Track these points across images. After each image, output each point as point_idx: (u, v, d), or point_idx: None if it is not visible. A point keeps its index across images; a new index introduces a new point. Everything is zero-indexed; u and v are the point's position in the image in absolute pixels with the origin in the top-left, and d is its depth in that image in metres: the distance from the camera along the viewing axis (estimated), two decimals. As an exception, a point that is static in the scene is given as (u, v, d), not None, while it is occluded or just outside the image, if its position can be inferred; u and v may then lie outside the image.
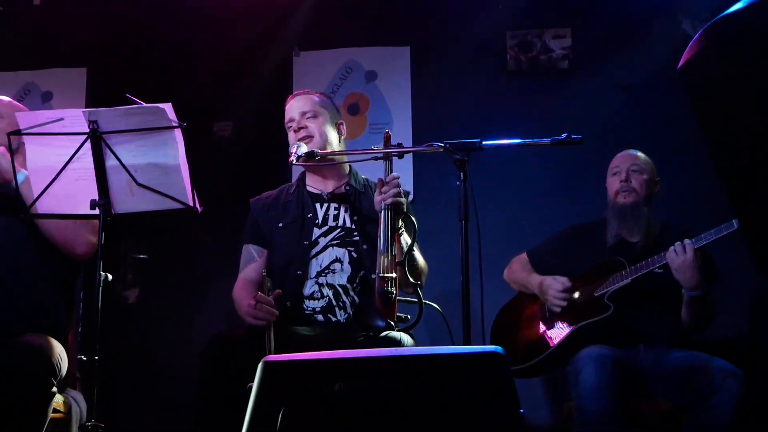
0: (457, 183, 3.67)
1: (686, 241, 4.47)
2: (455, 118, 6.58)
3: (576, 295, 4.81)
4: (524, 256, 5.19)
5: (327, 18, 6.96)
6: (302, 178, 4.63)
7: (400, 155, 4.08)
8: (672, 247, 4.50)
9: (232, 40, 6.99)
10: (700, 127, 2.87)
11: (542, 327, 4.87)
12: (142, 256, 6.61)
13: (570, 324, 4.73)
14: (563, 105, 6.32)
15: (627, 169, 4.94)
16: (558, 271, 4.92)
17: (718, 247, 4.56)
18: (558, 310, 4.80)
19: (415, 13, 6.91)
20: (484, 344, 3.48)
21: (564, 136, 3.65)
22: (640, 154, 5.01)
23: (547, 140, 3.71)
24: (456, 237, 3.60)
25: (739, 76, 2.56)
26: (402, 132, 6.60)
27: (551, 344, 4.75)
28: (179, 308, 6.77)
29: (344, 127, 4.65)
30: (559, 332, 4.76)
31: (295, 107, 4.55)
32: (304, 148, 4.25)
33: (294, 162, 4.21)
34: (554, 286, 4.82)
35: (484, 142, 3.75)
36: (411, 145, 5.90)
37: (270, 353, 3.72)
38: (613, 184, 4.98)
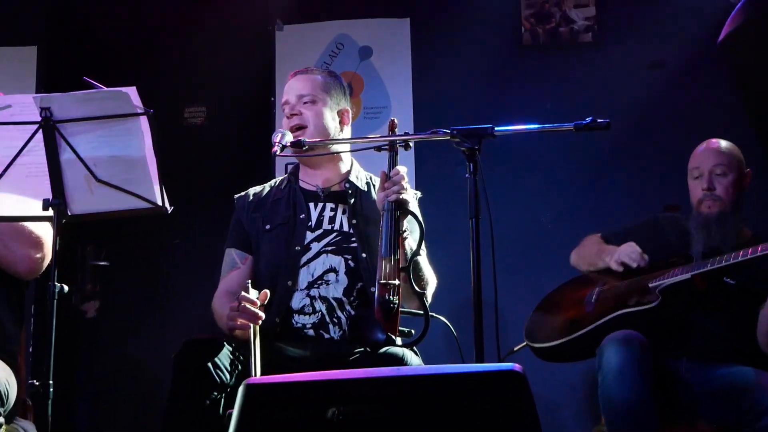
0: (467, 175, 3.64)
1: None
2: (463, 100, 6.57)
3: (630, 282, 4.77)
4: (597, 235, 5.18)
5: (313, -14, 6.95)
6: (294, 172, 4.53)
7: (406, 145, 4.04)
8: None
9: (205, 13, 6.97)
10: (744, 106, 2.87)
11: (582, 310, 4.85)
12: (102, 263, 6.60)
13: (611, 308, 4.71)
14: (586, 84, 6.33)
15: (709, 172, 4.80)
16: None
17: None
18: (620, 267, 4.76)
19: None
20: (500, 361, 3.47)
21: (589, 120, 3.61)
22: (723, 144, 4.85)
23: (569, 125, 3.66)
24: (465, 238, 3.57)
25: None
26: (402, 117, 6.53)
27: (585, 326, 4.72)
28: (146, 323, 6.77)
29: (349, 115, 4.53)
30: (597, 314, 4.73)
31: (292, 88, 4.45)
32: (289, 137, 4.17)
33: (277, 153, 4.16)
34: (632, 246, 4.78)
35: (496, 129, 3.70)
36: (412, 132, 5.89)
37: (255, 371, 3.68)
38: (695, 189, 4.87)
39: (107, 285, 6.79)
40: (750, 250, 4.42)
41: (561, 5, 6.59)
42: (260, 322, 3.83)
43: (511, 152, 5.98)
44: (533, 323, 4.94)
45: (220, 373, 3.78)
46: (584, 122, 3.63)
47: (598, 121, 3.61)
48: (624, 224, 5.16)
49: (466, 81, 6.62)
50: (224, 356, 3.83)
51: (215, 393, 3.75)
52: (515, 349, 4.96)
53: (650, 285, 4.67)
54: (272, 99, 6.94)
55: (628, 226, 5.14)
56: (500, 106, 6.44)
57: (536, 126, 3.88)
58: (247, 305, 3.82)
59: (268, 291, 3.95)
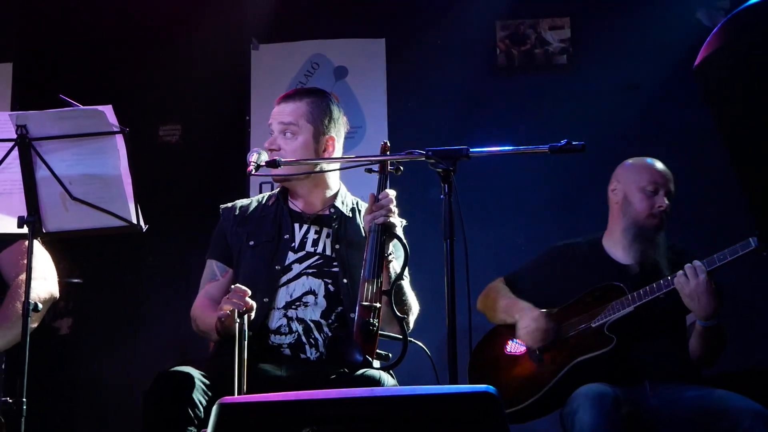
0: (441, 197, 3.64)
1: (696, 263, 4.46)
2: (438, 121, 6.59)
3: (570, 326, 4.79)
4: (500, 281, 5.18)
5: (290, 6, 6.94)
6: (283, 191, 4.49)
7: (396, 168, 4.03)
8: (680, 272, 4.49)
9: (181, 31, 6.96)
10: (719, 132, 2.88)
11: (531, 365, 4.85)
12: (75, 280, 6.57)
13: (566, 359, 4.72)
14: (561, 106, 6.36)
15: (666, 190, 4.88)
16: (541, 300, 4.89)
17: (733, 269, 4.56)
18: (526, 345, 4.80)
19: (391, 1, 6.92)
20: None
21: (564, 142, 3.61)
22: (663, 165, 4.97)
23: (544, 147, 3.66)
24: (439, 260, 3.57)
25: (764, 75, 2.57)
26: (376, 137, 6.59)
27: (545, 383, 4.73)
28: (120, 340, 6.73)
29: (334, 144, 4.43)
30: (552, 369, 4.74)
31: (276, 115, 4.40)
32: (264, 156, 4.15)
33: (253, 172, 4.13)
34: (526, 315, 4.83)
35: (471, 150, 3.69)
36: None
37: (239, 377, 3.64)
38: (642, 202, 4.89)
39: (80, 302, 6.76)
40: (664, 283, 4.58)
41: (536, 27, 6.62)
42: (249, 311, 3.80)
43: (487, 174, 5.99)
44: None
45: (194, 408, 3.74)
46: (559, 144, 3.63)
47: (573, 143, 3.61)
48: (524, 264, 5.20)
49: (441, 102, 6.64)
50: (198, 389, 3.79)
51: (190, 429, 3.71)
52: None
53: (593, 325, 4.71)
54: (247, 118, 6.95)
55: (528, 265, 5.17)
56: (475, 127, 6.46)
57: (511, 148, 3.89)
58: (239, 293, 3.81)
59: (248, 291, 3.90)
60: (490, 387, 2.59)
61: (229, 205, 4.56)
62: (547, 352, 4.79)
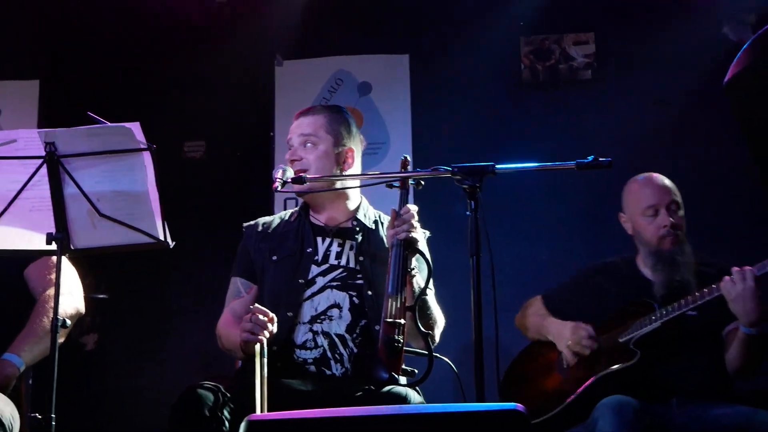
0: (467, 213, 3.63)
1: (746, 267, 4.41)
2: (462, 136, 6.58)
3: (598, 341, 4.77)
4: (539, 299, 5.17)
5: (314, 22, 6.96)
6: (305, 206, 4.51)
7: (418, 183, 4.03)
8: (727, 277, 4.44)
9: (205, 47, 6.99)
10: (749, 148, 2.88)
11: (559, 377, 4.84)
12: (101, 295, 6.59)
13: (589, 372, 4.70)
14: (586, 121, 6.33)
15: (667, 208, 4.81)
16: (579, 317, 4.88)
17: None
18: (575, 358, 4.77)
19: (415, 17, 6.93)
20: (501, 401, 3.46)
21: (591, 158, 3.60)
22: (664, 179, 4.90)
23: (571, 164, 3.65)
24: (464, 276, 3.56)
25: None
26: (400, 152, 6.52)
27: (567, 395, 4.72)
28: (145, 356, 6.75)
29: (352, 155, 4.47)
30: (576, 381, 4.73)
31: (295, 129, 4.45)
32: (290, 173, 4.17)
33: (278, 189, 4.15)
34: (578, 332, 4.79)
35: (497, 166, 3.68)
36: (411, 169, 5.88)
37: (261, 395, 3.64)
38: (648, 227, 4.84)
39: (106, 318, 6.78)
40: (707, 291, 4.49)
41: (560, 42, 6.61)
42: (269, 334, 3.79)
43: (512, 190, 5.97)
44: (512, 398, 4.88)
45: (221, 424, 3.74)
46: (586, 161, 3.62)
47: (600, 159, 3.60)
48: (562, 282, 5.16)
49: (465, 117, 6.64)
50: (224, 405, 3.80)
51: None
52: None
53: (620, 340, 4.68)
54: (271, 134, 6.96)
55: (567, 283, 5.14)
56: (499, 142, 6.45)
57: (538, 164, 3.84)
58: (260, 315, 3.80)
59: (273, 315, 3.89)
60: (519, 405, 2.59)
61: (252, 222, 4.57)
62: (574, 367, 4.77)
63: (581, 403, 4.61)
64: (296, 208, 4.58)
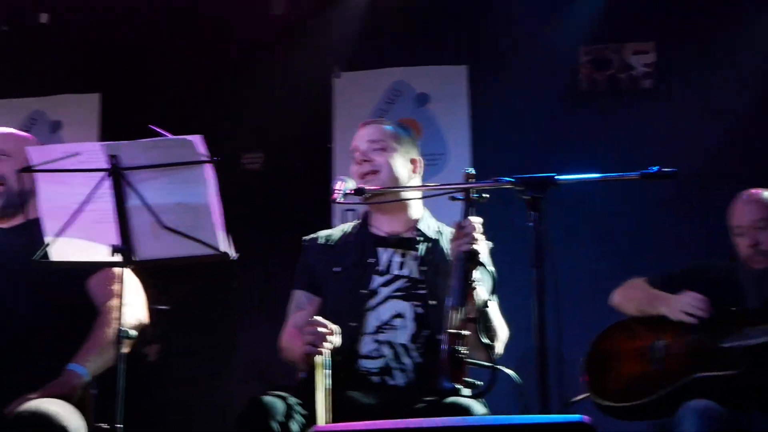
0: (529, 224, 3.62)
1: None
2: (521, 147, 6.56)
3: (697, 340, 4.68)
4: (642, 280, 5.01)
5: (372, 34, 6.98)
6: (365, 217, 4.53)
7: (480, 196, 4.02)
8: None
9: (263, 60, 7.04)
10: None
11: (649, 366, 4.75)
12: (163, 306, 6.63)
13: (684, 371, 4.62)
14: (646, 131, 6.29)
15: (751, 228, 4.75)
16: None
17: None
18: (691, 319, 4.66)
19: (473, 28, 6.92)
20: (566, 413, 3.44)
21: (656, 169, 3.56)
22: (761, 195, 4.81)
23: (635, 174, 3.61)
24: (524, 287, 3.54)
25: None
26: (459, 164, 6.59)
27: (658, 389, 4.64)
28: (207, 366, 6.78)
29: (419, 164, 4.49)
30: (670, 377, 4.64)
31: (362, 136, 4.44)
32: (350, 184, 4.17)
33: (338, 200, 4.16)
34: (695, 297, 4.68)
35: (559, 177, 3.65)
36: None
37: (324, 406, 3.65)
38: (740, 245, 4.80)
39: (168, 328, 6.82)
40: None
41: (620, 51, 6.58)
42: (330, 346, 3.80)
43: (571, 201, 5.94)
44: (594, 376, 4.84)
45: None
46: (651, 171, 3.58)
47: (665, 170, 3.57)
48: (669, 270, 5.07)
49: (524, 128, 6.62)
50: (289, 415, 3.79)
51: None
52: (575, 399, 4.90)
53: (724, 345, 4.59)
54: (330, 145, 6.98)
55: (673, 272, 5.03)
56: (559, 153, 6.42)
57: (600, 175, 3.80)
58: (320, 329, 3.80)
59: (338, 327, 3.89)
60: (585, 417, 2.57)
61: (313, 235, 4.58)
62: (669, 359, 4.69)
63: (671, 399, 4.53)
64: (357, 220, 4.60)
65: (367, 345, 4.18)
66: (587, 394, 4.81)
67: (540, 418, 2.73)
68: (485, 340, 3.94)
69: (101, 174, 3.62)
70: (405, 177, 4.40)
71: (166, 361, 6.92)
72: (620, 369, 4.81)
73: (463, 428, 2.65)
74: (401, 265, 4.33)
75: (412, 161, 4.45)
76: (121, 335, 3.65)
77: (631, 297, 5.00)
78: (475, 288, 3.97)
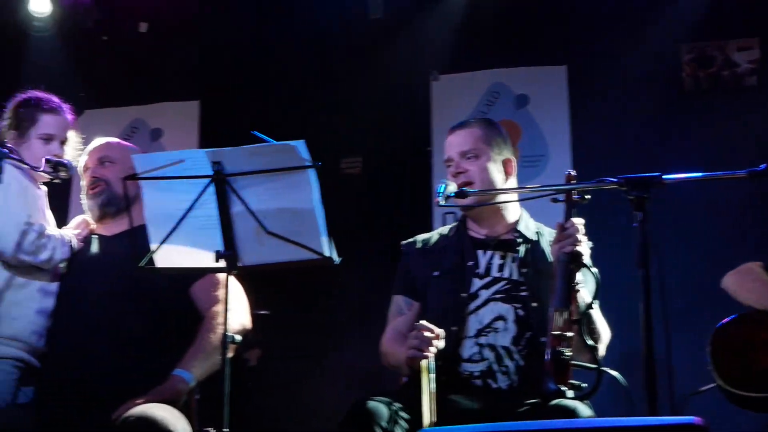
0: (634, 224, 3.59)
1: None
2: (623, 147, 6.50)
3: None
4: (757, 265, 4.94)
5: (469, 36, 6.97)
6: (463, 220, 4.54)
7: (582, 197, 4.00)
8: None
9: (361, 64, 7.06)
10: None
11: None
12: (263, 311, 6.67)
13: None
14: (752, 129, 6.19)
15: None
16: None
17: None
18: None
19: (572, 27, 6.87)
20: (675, 415, 3.40)
21: (764, 166, 3.52)
22: None
23: (743, 173, 3.56)
24: (626, 288, 3.52)
25: None
26: (560, 165, 6.55)
27: None
28: (307, 371, 6.81)
29: (513, 164, 4.51)
30: None
31: (453, 145, 4.46)
32: (452, 187, 4.17)
33: (440, 203, 4.17)
34: None
35: (665, 177, 3.62)
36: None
37: (428, 410, 3.65)
38: None
39: (268, 334, 6.87)
40: None
41: (723, 49, 6.49)
42: (435, 350, 3.80)
43: (675, 200, 5.87)
44: (727, 365, 4.75)
45: None
46: (759, 169, 3.53)
47: (774, 168, 3.51)
48: None
49: (625, 128, 6.56)
50: (391, 419, 3.79)
51: None
52: (702, 389, 4.83)
53: None
54: (429, 149, 6.98)
55: None
56: (662, 152, 6.35)
57: (707, 174, 3.77)
58: (426, 333, 3.81)
59: (443, 331, 3.89)
60: (697, 418, 2.54)
61: (411, 240, 4.61)
62: None
63: None
64: (454, 223, 4.60)
65: (468, 349, 4.19)
66: (713, 385, 4.74)
67: (650, 420, 2.72)
68: (589, 342, 3.92)
69: (205, 181, 3.66)
70: (499, 182, 4.41)
71: (267, 366, 6.98)
72: (756, 358, 4.72)
73: (574, 430, 2.63)
74: (501, 268, 4.34)
75: (506, 162, 4.46)
76: (227, 340, 3.69)
77: (749, 288, 4.90)
78: (578, 290, 3.96)
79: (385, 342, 4.42)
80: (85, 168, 4.82)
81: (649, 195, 3.59)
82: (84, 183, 4.81)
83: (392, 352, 4.29)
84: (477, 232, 4.45)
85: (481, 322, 4.22)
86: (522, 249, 4.36)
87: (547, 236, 4.36)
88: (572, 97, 6.78)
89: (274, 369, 6.95)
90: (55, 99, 4.84)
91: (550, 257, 4.17)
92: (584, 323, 3.93)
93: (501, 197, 4.41)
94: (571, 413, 3.72)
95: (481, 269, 4.34)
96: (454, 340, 4.16)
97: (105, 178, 4.73)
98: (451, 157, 4.43)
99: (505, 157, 4.47)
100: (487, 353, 4.16)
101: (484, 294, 4.27)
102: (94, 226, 4.82)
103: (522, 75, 6.98)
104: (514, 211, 4.48)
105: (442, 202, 4.11)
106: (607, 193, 3.77)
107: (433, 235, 4.61)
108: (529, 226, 4.45)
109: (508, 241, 4.40)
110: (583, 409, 3.78)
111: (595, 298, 3.99)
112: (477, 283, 4.31)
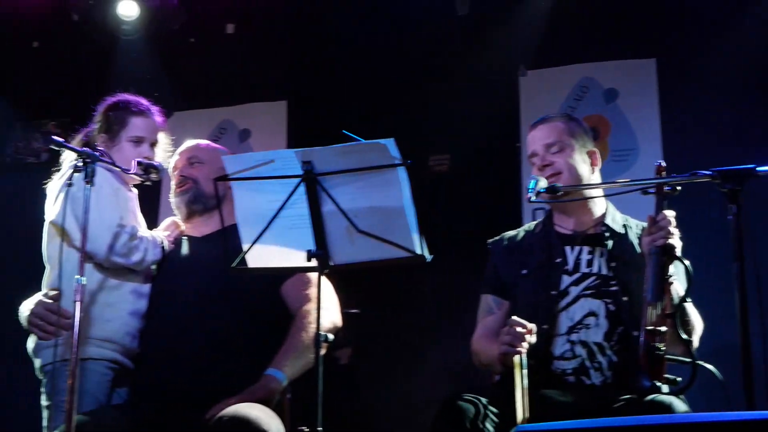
0: (729, 217, 3.56)
1: None
2: (715, 139, 6.42)
3: None
4: None
5: (557, 31, 6.94)
6: (549, 216, 4.55)
7: (674, 189, 3.97)
8: None
9: (448, 61, 7.07)
10: None
11: None
12: (354, 310, 6.70)
13: None
14: None
15: None
16: None
17: None
18: None
19: (661, 19, 6.80)
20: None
21: None
22: None
23: None
24: (719, 280, 3.48)
25: None
26: (650, 159, 6.48)
27: None
28: (398, 369, 6.82)
29: (597, 156, 4.52)
30: None
31: (537, 139, 4.47)
32: (543, 183, 4.18)
33: (532, 199, 4.17)
34: None
35: (759, 169, 3.61)
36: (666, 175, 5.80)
37: (522, 406, 3.65)
38: None
39: (359, 332, 6.89)
40: None
41: (821, 35, 6.39)
42: (528, 346, 3.80)
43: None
44: None
45: None
46: None
47: None
48: None
49: (718, 120, 6.47)
50: (485, 416, 3.81)
51: None
52: None
53: None
54: (518, 144, 6.96)
55: None
56: (755, 144, 6.26)
57: (802, 166, 3.74)
58: (518, 327, 3.81)
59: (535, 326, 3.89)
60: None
61: (497, 238, 4.62)
62: None
63: None
64: (540, 219, 4.60)
65: (560, 346, 4.19)
66: None
67: (749, 415, 2.68)
68: (683, 335, 3.89)
69: (295, 180, 3.69)
70: (587, 173, 4.41)
71: (357, 364, 7.01)
72: None
73: (670, 426, 2.62)
74: (589, 263, 4.33)
75: (590, 153, 4.47)
76: (319, 339, 3.71)
77: None
78: (671, 283, 3.93)
79: (475, 341, 4.43)
80: (175, 168, 4.91)
81: (742, 187, 3.56)
82: (173, 183, 4.89)
83: (483, 350, 4.30)
84: (564, 227, 4.44)
85: (572, 319, 4.22)
86: (610, 243, 4.34)
87: (634, 228, 4.35)
88: (662, 90, 6.71)
89: (365, 368, 6.97)
90: (145, 101, 4.92)
91: (639, 249, 4.16)
92: (678, 317, 3.90)
93: (591, 192, 4.40)
94: (667, 409, 3.68)
95: (570, 266, 4.34)
96: (546, 339, 4.16)
97: (193, 176, 4.81)
98: (535, 151, 4.43)
99: (589, 148, 4.48)
100: (579, 350, 4.15)
101: (574, 291, 4.27)
102: (183, 227, 4.89)
103: (611, 69, 6.93)
104: (600, 204, 4.48)
105: (534, 198, 4.12)
106: (698, 185, 3.75)
107: (520, 232, 4.61)
108: (616, 219, 4.44)
109: (595, 235, 4.39)
110: (679, 404, 3.74)
111: (688, 290, 3.97)
112: (566, 279, 4.31)
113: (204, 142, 5.05)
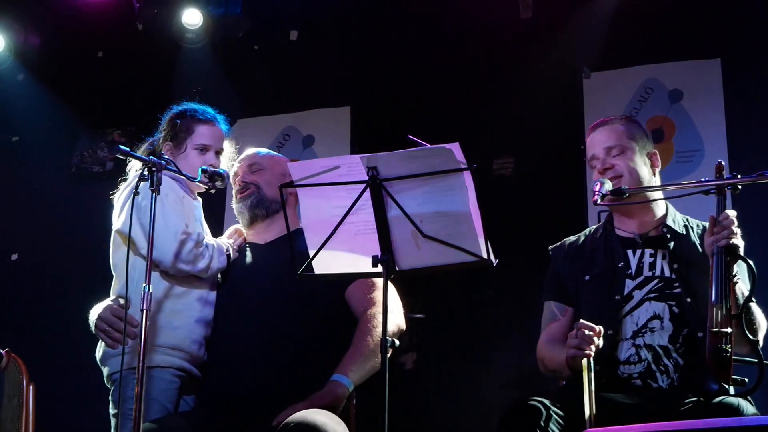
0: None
1: None
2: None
3: None
4: None
5: (620, 32, 6.92)
6: (609, 220, 4.55)
7: (734, 188, 3.97)
8: None
9: (512, 64, 7.07)
10: None
11: None
12: (418, 315, 6.72)
13: None
14: None
15: None
16: None
17: None
18: None
19: (727, 19, 6.76)
20: None
21: None
22: None
23: None
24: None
25: None
26: (715, 160, 6.39)
27: None
28: (462, 375, 6.83)
29: (657, 157, 4.52)
30: None
31: (597, 142, 4.49)
32: (608, 185, 4.20)
33: (598, 202, 4.18)
34: None
35: (824, 169, 3.62)
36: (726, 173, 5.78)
37: (590, 409, 3.65)
38: None
39: (423, 337, 6.91)
40: None
41: None
42: (594, 349, 3.80)
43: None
44: None
45: None
46: None
47: None
48: None
49: (785, 120, 6.43)
50: (551, 420, 3.81)
51: None
52: None
53: None
54: (582, 147, 6.94)
55: None
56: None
57: None
58: (585, 330, 3.82)
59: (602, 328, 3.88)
60: None
61: (558, 244, 4.63)
62: None
63: None
64: (600, 223, 4.60)
65: (625, 351, 4.18)
66: None
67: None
68: (749, 336, 3.88)
69: (361, 186, 3.70)
70: (647, 175, 4.42)
71: (421, 370, 7.02)
72: None
73: (739, 429, 2.62)
74: (652, 266, 4.32)
75: (651, 155, 4.47)
76: (386, 344, 3.70)
77: None
78: (736, 283, 3.92)
79: (541, 347, 4.43)
80: (236, 175, 4.95)
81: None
82: (235, 190, 4.94)
83: (549, 356, 4.30)
84: (625, 230, 4.44)
85: (637, 323, 4.21)
86: (672, 244, 4.33)
87: (695, 229, 4.34)
88: (727, 91, 6.66)
89: (430, 372, 6.98)
90: (210, 110, 4.97)
91: (701, 250, 4.15)
92: (743, 317, 3.89)
93: (656, 194, 4.39)
94: (735, 411, 3.68)
95: (632, 269, 4.33)
96: (611, 343, 4.16)
97: (255, 182, 4.86)
98: (596, 154, 4.44)
99: (649, 150, 4.49)
100: (645, 354, 4.15)
101: (638, 294, 4.27)
102: (246, 235, 4.94)
103: (675, 70, 6.89)
104: (661, 206, 4.48)
105: (600, 201, 4.13)
106: (763, 186, 3.75)
107: (580, 237, 4.62)
108: (676, 220, 4.44)
109: (657, 237, 4.39)
110: (746, 406, 3.74)
111: (752, 290, 3.95)
112: (629, 284, 4.30)
113: (263, 150, 5.10)
